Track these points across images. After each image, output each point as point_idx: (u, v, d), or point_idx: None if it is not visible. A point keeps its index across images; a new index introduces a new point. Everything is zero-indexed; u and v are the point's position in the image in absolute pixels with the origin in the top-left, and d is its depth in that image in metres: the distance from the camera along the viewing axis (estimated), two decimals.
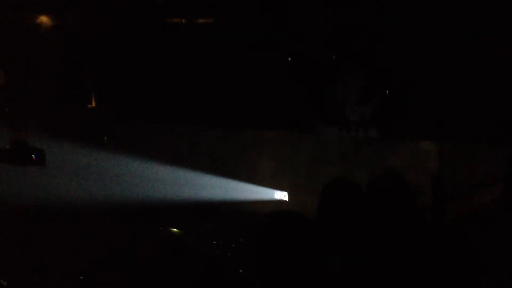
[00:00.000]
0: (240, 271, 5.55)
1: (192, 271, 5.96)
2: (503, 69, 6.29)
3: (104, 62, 8.95)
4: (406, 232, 2.73)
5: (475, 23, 6.34)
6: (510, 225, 2.98)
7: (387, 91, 7.37)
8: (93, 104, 9.16)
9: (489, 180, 5.56)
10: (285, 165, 8.15)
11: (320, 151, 7.82)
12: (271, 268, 2.23)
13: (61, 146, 8.33)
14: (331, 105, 7.84)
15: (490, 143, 6.13)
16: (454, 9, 6.48)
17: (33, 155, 7.50)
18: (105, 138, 8.93)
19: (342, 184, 2.73)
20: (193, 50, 8.49)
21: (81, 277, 6.18)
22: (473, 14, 6.33)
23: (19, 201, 7.75)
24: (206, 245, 6.99)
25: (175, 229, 7.50)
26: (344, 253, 2.51)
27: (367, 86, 7.52)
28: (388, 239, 2.58)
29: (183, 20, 8.62)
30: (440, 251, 2.71)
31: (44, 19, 8.80)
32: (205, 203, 8.19)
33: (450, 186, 5.90)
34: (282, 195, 8.13)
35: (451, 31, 6.53)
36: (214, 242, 7.06)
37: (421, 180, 6.09)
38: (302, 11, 7.67)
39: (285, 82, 7.91)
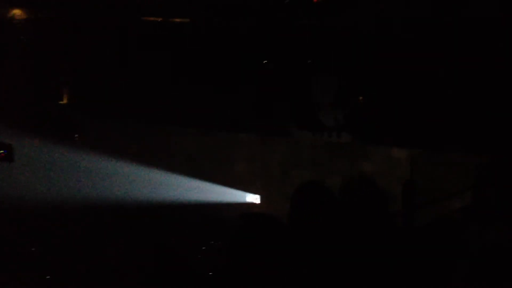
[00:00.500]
0: (210, 273, 5.50)
1: (162, 272, 5.89)
2: (475, 78, 6.40)
3: (77, 58, 8.81)
4: (376, 237, 2.74)
5: (450, 29, 6.44)
6: (478, 233, 3.01)
7: (361, 97, 7.43)
8: (64, 100, 9.00)
9: (459, 188, 5.64)
10: (258, 168, 8.14)
11: (293, 155, 7.84)
12: (243, 270, 2.21)
13: (30, 143, 8.17)
14: (305, 109, 7.86)
15: (461, 151, 6.22)
16: (431, 12, 6.56)
17: (1, 151, 7.34)
18: (76, 135, 8.78)
19: (313, 188, 2.72)
20: (169, 49, 8.42)
21: (48, 277, 6.06)
22: (450, 19, 6.43)
23: None
24: (176, 246, 6.92)
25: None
26: (315, 256, 2.50)
27: (341, 91, 7.57)
28: (359, 243, 2.58)
29: (159, 19, 8.55)
30: (409, 255, 2.72)
31: (16, 11, 8.62)
32: (177, 203, 8.13)
33: (421, 193, 5.97)
34: (254, 198, 8.11)
35: (427, 37, 6.62)
36: (185, 243, 7.00)
37: (392, 186, 6.15)
38: (279, 14, 7.69)
39: (260, 84, 7.91)
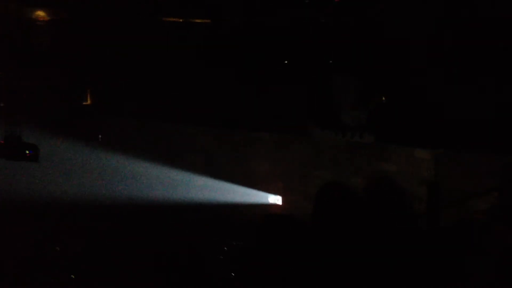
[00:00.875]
0: (232, 274, 5.52)
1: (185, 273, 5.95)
2: (499, 79, 6.31)
3: (101, 59, 8.91)
4: (399, 237, 2.73)
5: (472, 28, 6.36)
6: (502, 234, 2.97)
7: (383, 97, 7.37)
8: (88, 101, 9.11)
9: (484, 189, 5.56)
10: (279, 168, 8.13)
11: (315, 155, 7.81)
12: (265, 271, 2.22)
13: (55, 143, 8.30)
14: (327, 109, 7.83)
15: (486, 151, 6.13)
16: (448, 12, 6.49)
17: (27, 151, 7.46)
18: (100, 135, 8.88)
19: (337, 188, 2.72)
20: (189, 49, 8.47)
21: (72, 276, 6.15)
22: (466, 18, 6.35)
23: (11, 196, 7.71)
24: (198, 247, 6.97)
25: None
26: (338, 256, 2.50)
27: (363, 91, 7.53)
28: (382, 243, 2.57)
29: (180, 19, 8.61)
30: (435, 257, 2.71)
31: (40, 13, 8.75)
32: (198, 204, 8.17)
33: (445, 193, 5.90)
34: (275, 199, 8.10)
35: (445, 36, 6.55)
36: (207, 244, 7.04)
37: (416, 187, 6.08)
38: (300, 13, 7.67)
39: (282, 84, 7.90)
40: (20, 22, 8.62)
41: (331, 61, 7.67)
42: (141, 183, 8.48)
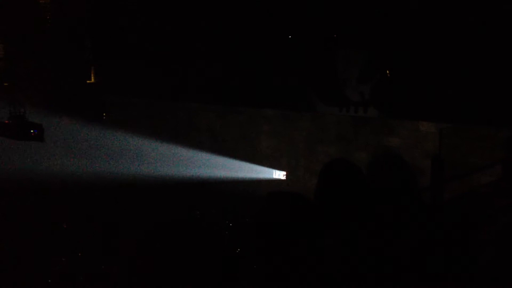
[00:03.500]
0: (238, 250, 5.58)
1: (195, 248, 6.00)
2: (502, 53, 6.25)
3: (105, 37, 8.88)
4: (404, 212, 2.74)
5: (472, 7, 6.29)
6: (506, 207, 2.99)
7: (387, 71, 7.33)
8: (92, 79, 9.11)
9: (488, 162, 5.57)
10: (284, 144, 8.14)
11: (319, 131, 7.81)
12: (270, 247, 2.24)
13: (60, 122, 8.32)
14: (331, 84, 7.80)
15: (490, 125, 6.12)
16: None
17: (31, 130, 7.49)
18: (105, 114, 8.91)
19: (341, 164, 2.72)
20: (194, 26, 8.41)
21: (79, 253, 6.21)
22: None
23: (17, 175, 7.76)
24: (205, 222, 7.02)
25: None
26: (342, 232, 2.52)
27: (367, 66, 7.48)
28: (387, 218, 2.59)
29: None
30: (439, 230, 2.72)
31: None
32: (204, 180, 8.21)
33: (449, 167, 5.91)
34: (280, 174, 8.14)
35: (452, 14, 6.47)
36: (213, 219, 7.08)
37: (420, 160, 6.10)
38: None
39: (286, 60, 7.86)
40: (22, 0, 8.57)
41: (335, 36, 7.62)
42: (146, 161, 8.52)
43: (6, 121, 7.48)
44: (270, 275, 2.25)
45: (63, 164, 8.25)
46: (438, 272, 2.51)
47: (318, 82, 7.94)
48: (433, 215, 2.94)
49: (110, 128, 8.65)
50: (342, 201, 2.50)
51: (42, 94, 8.33)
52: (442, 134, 6.40)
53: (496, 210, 2.91)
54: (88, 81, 9.07)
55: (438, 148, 6.16)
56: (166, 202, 7.60)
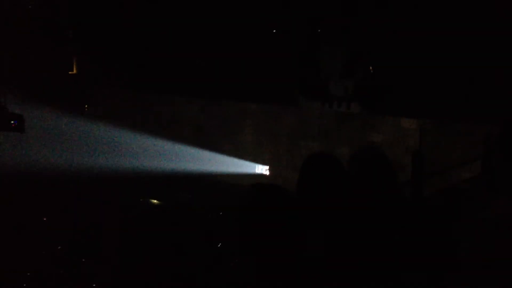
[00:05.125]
0: (219, 245, 5.58)
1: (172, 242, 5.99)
2: (484, 48, 6.33)
3: (88, 27, 8.79)
4: (385, 206, 2.77)
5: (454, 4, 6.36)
6: (486, 203, 3.03)
7: (371, 67, 7.38)
8: (75, 70, 9.01)
9: (468, 158, 5.65)
10: (267, 138, 8.16)
11: (302, 125, 7.84)
12: (252, 240, 2.24)
13: (41, 113, 8.22)
14: (314, 79, 7.83)
15: (470, 121, 6.21)
16: None
17: (12, 121, 7.38)
18: (87, 105, 8.82)
19: (323, 158, 2.73)
20: (177, 19, 8.37)
21: (59, 247, 6.16)
22: None
23: None
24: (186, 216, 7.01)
25: (155, 200, 7.50)
26: (324, 226, 2.53)
27: (351, 61, 7.52)
28: (368, 213, 2.61)
29: None
30: (416, 224, 2.75)
31: None
32: (187, 174, 8.19)
33: (430, 163, 5.98)
34: (263, 169, 8.16)
35: (432, 10, 6.54)
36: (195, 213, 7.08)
37: (401, 156, 6.17)
38: None
39: (270, 54, 7.86)
40: None
41: (319, 30, 7.63)
42: (128, 154, 8.47)
43: None
44: (252, 267, 2.25)
45: (42, 155, 8.17)
46: (417, 265, 2.54)
47: (301, 77, 7.96)
48: (413, 209, 2.97)
49: (92, 120, 8.58)
50: (323, 194, 2.52)
51: (22, 85, 8.22)
52: (423, 131, 6.48)
53: (475, 205, 2.95)
54: (70, 72, 8.97)
55: (419, 144, 6.24)
56: (144, 195, 7.57)
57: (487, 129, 5.60)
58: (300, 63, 7.92)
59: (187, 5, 8.31)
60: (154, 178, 8.07)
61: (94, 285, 5.26)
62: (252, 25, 7.93)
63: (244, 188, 2.37)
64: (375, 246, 2.54)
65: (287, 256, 2.21)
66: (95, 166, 8.21)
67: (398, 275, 2.49)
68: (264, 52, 7.88)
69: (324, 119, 7.58)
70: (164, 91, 8.75)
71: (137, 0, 8.55)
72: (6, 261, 5.50)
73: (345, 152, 6.56)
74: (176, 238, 5.94)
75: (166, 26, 8.43)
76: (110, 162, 8.32)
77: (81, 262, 5.75)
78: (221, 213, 6.65)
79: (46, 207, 7.04)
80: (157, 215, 7.19)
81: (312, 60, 7.86)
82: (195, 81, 8.31)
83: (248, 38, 7.99)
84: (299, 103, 8.00)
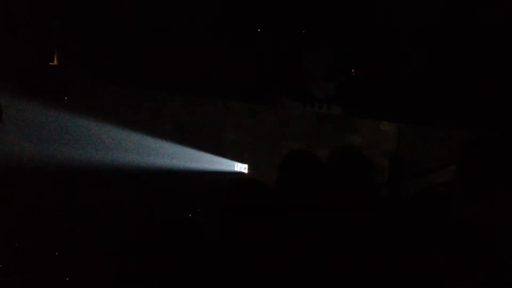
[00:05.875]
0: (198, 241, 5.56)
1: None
2: (464, 54, 6.43)
3: (69, 18, 8.69)
4: (361, 206, 2.80)
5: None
6: (461, 206, 3.08)
7: (353, 69, 7.44)
8: (55, 61, 8.91)
9: (444, 163, 5.74)
10: (248, 137, 8.17)
11: (283, 126, 7.87)
12: (231, 235, 2.25)
13: (18, 103, 8.12)
14: (297, 80, 7.87)
15: (448, 127, 6.31)
16: None
17: None
18: (66, 97, 8.73)
19: (303, 156, 2.76)
20: (160, 15, 8.33)
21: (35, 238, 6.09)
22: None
23: None
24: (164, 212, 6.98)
25: None
26: (301, 223, 2.55)
27: (333, 63, 7.58)
28: (344, 211, 2.63)
29: None
30: (393, 225, 2.79)
31: None
32: (165, 170, 8.16)
33: (407, 166, 6.06)
34: (242, 167, 8.16)
35: (414, 14, 6.62)
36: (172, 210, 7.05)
37: (379, 159, 6.23)
38: None
39: (253, 53, 7.88)
40: None
41: (303, 31, 7.68)
42: (106, 148, 8.40)
43: None
44: (230, 262, 2.26)
45: (19, 146, 8.06)
46: (391, 266, 2.57)
47: (284, 78, 7.99)
48: (389, 211, 3.01)
49: (71, 113, 8.48)
50: (302, 192, 2.54)
51: (1, 74, 8.10)
52: (402, 134, 6.56)
53: (450, 208, 3.01)
54: (50, 63, 8.86)
55: (397, 147, 6.32)
56: (123, 191, 7.51)
57: (464, 135, 5.70)
58: (283, 63, 7.95)
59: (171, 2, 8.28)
60: (133, 173, 8.02)
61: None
62: (237, 23, 7.93)
63: (223, 185, 2.37)
64: (351, 245, 2.56)
65: (267, 250, 2.22)
66: (73, 159, 8.12)
67: (369, 275, 2.52)
68: (247, 51, 7.89)
69: (305, 119, 7.62)
70: (145, 86, 8.70)
71: None
72: None
73: (325, 153, 6.60)
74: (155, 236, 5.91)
75: (151, 21, 8.38)
76: (88, 156, 8.24)
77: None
78: (198, 210, 6.65)
79: (23, 199, 6.95)
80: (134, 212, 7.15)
81: (295, 60, 7.89)
82: (177, 77, 8.28)
83: (232, 36, 7.99)
84: (281, 103, 8.03)
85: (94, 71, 8.70)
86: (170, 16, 8.27)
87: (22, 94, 8.14)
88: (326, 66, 7.63)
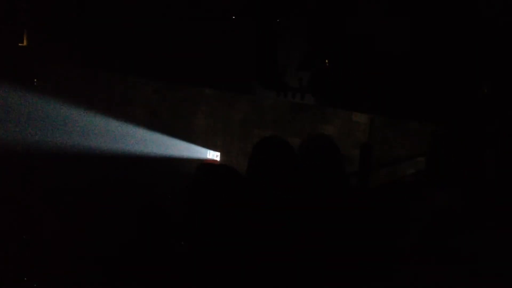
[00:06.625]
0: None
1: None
2: (437, 51, 6.52)
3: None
4: (332, 194, 2.82)
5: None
6: (429, 197, 3.13)
7: (326, 61, 7.47)
8: (25, 43, 8.70)
9: (414, 154, 5.82)
10: (220, 124, 8.14)
11: (256, 114, 7.87)
12: (199, 220, 2.24)
13: None
14: (271, 70, 7.86)
15: (418, 119, 6.40)
16: None
17: None
18: (36, 79, 8.55)
19: (274, 142, 2.76)
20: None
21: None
22: None
23: None
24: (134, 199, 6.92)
25: None
26: (272, 210, 2.56)
27: (308, 54, 7.60)
28: (314, 199, 2.65)
29: None
30: (362, 215, 2.81)
31: None
32: (136, 156, 8.08)
33: (378, 156, 6.14)
34: (214, 155, 8.14)
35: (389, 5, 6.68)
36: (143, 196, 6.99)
37: (351, 150, 6.29)
38: None
39: (228, 41, 7.84)
40: None
41: (278, 20, 7.66)
42: (77, 132, 8.27)
43: None
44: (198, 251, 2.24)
45: None
46: (363, 255, 2.60)
47: (259, 67, 7.98)
48: (359, 199, 3.03)
49: (40, 95, 8.31)
50: (273, 178, 2.54)
51: None
52: (373, 126, 6.63)
53: (418, 198, 3.05)
54: (20, 44, 8.65)
55: (368, 138, 6.39)
56: (93, 176, 7.42)
57: (433, 128, 5.79)
58: (258, 52, 7.93)
59: None
60: (103, 158, 7.92)
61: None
62: (212, 11, 7.87)
63: (194, 170, 2.36)
64: (320, 233, 2.58)
65: (236, 237, 2.22)
66: (41, 142, 7.97)
67: (337, 263, 2.53)
68: (224, 39, 7.85)
69: (278, 108, 7.63)
70: (117, 70, 8.57)
71: None
72: None
73: (297, 142, 6.62)
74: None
75: (125, 4, 8.25)
76: (57, 139, 8.10)
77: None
78: (169, 195, 6.60)
79: None
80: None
81: (269, 49, 7.88)
82: (151, 63, 8.19)
83: (207, 24, 7.92)
84: (255, 91, 8.02)
85: (66, 53, 8.53)
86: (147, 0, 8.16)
87: None
88: (300, 56, 7.64)
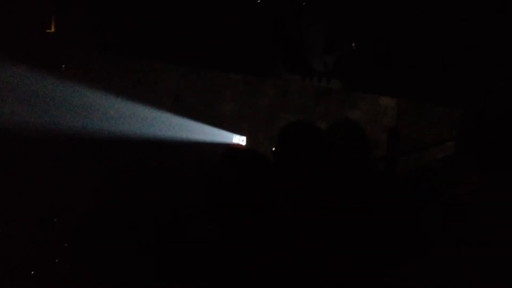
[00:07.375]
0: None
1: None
2: (464, 33, 6.39)
3: None
4: (358, 179, 2.80)
5: None
6: (455, 181, 3.08)
7: (353, 44, 7.38)
8: (52, 29, 8.79)
9: (442, 139, 5.75)
10: (246, 109, 8.14)
11: (282, 98, 7.84)
12: (221, 204, 2.24)
13: (15, 70, 8.04)
14: (296, 53, 7.80)
15: (447, 104, 6.30)
16: None
17: None
18: (63, 66, 8.64)
19: (301, 126, 2.74)
20: None
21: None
22: None
23: None
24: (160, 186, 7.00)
25: None
26: (296, 194, 2.54)
27: (334, 37, 7.51)
28: (341, 183, 2.63)
29: None
30: (389, 200, 2.79)
31: None
32: (162, 141, 8.14)
33: (406, 142, 6.07)
34: (240, 139, 8.15)
35: None
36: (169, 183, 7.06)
37: (378, 134, 6.23)
38: None
39: (253, 25, 7.79)
40: None
41: (304, 3, 7.59)
42: (103, 118, 8.35)
43: None
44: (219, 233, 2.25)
45: (16, 114, 8.01)
46: (387, 242, 2.58)
47: (283, 50, 7.92)
48: (386, 184, 3.01)
49: (68, 81, 8.40)
50: (300, 163, 2.53)
51: None
52: (401, 110, 6.54)
53: (447, 183, 3.01)
54: (48, 31, 8.74)
55: (395, 122, 6.32)
56: (119, 162, 7.51)
57: (462, 112, 5.69)
58: (283, 36, 7.87)
59: None
60: (129, 144, 8.00)
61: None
62: None
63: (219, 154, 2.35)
64: (349, 218, 2.56)
65: (257, 224, 2.21)
66: (69, 128, 8.08)
67: (366, 252, 2.52)
68: (247, 22, 7.81)
69: (304, 93, 7.59)
70: (144, 56, 8.61)
71: None
72: None
73: (323, 127, 6.59)
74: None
75: None
76: (85, 125, 8.20)
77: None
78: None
79: (20, 166, 6.95)
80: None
81: (294, 33, 7.82)
82: (176, 47, 8.20)
83: (232, 7, 7.89)
84: (280, 76, 7.98)
85: (94, 40, 8.59)
86: None
87: (18, 61, 8.06)
88: (326, 39, 7.56)
